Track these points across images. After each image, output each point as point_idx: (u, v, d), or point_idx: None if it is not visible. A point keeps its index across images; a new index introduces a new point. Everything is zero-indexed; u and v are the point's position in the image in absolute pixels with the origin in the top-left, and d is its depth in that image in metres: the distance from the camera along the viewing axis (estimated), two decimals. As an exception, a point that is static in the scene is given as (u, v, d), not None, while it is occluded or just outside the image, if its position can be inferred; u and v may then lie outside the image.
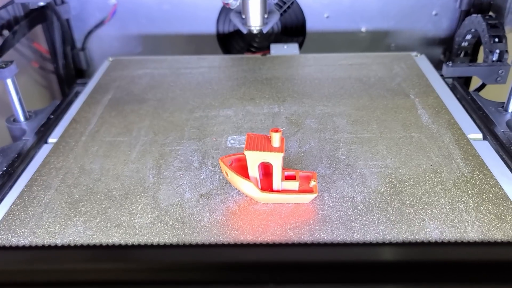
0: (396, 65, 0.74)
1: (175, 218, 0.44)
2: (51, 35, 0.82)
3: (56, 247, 0.22)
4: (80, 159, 0.53)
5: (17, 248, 0.22)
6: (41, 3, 0.76)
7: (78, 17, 0.87)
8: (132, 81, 0.72)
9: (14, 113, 0.63)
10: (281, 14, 0.85)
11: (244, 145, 0.43)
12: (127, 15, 0.86)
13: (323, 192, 0.46)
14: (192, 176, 0.50)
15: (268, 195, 0.44)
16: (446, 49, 0.89)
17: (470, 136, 0.56)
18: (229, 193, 0.47)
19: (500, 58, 0.66)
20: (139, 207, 0.45)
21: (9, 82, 0.60)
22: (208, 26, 0.87)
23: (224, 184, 0.48)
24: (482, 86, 0.72)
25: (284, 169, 0.45)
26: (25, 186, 0.49)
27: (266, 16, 0.73)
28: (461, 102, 0.65)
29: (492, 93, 0.70)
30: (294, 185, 0.45)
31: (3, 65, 0.58)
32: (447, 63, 0.65)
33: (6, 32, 0.68)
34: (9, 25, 0.69)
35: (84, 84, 0.74)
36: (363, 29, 0.88)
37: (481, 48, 0.79)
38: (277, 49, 0.82)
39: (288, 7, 0.85)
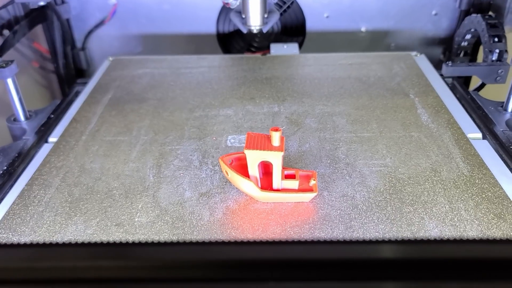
0: (396, 65, 0.74)
1: (175, 217, 0.44)
2: (51, 35, 0.82)
3: (56, 244, 0.22)
4: (80, 158, 0.53)
5: (18, 246, 0.22)
6: (41, 3, 0.76)
7: (78, 17, 0.87)
8: (132, 81, 0.72)
9: (14, 112, 0.63)
10: (281, 14, 0.85)
11: (244, 144, 0.43)
12: (127, 15, 0.87)
13: (323, 191, 0.47)
14: (192, 175, 0.50)
15: (268, 194, 0.44)
16: (445, 49, 0.89)
17: (469, 135, 0.56)
18: (229, 192, 0.47)
19: (500, 58, 0.66)
20: (140, 206, 0.45)
21: (9, 81, 0.60)
22: (208, 25, 0.87)
23: (224, 183, 0.48)
24: (482, 85, 0.72)
25: (284, 168, 0.45)
26: (25, 185, 0.49)
27: (266, 15, 0.73)
28: (460, 102, 0.65)
29: (492, 92, 0.70)
30: (294, 184, 0.45)
31: (4, 65, 0.59)
32: (447, 62, 0.65)
33: (6, 32, 0.68)
34: (10, 24, 0.69)
35: (84, 83, 0.74)
36: (363, 29, 0.88)
37: (481, 48, 0.79)
38: (277, 49, 0.82)
39: (288, 6, 0.85)
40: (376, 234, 0.41)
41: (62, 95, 0.86)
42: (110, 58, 0.80)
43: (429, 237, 0.40)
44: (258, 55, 0.81)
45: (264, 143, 0.42)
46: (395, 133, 0.56)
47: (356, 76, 0.71)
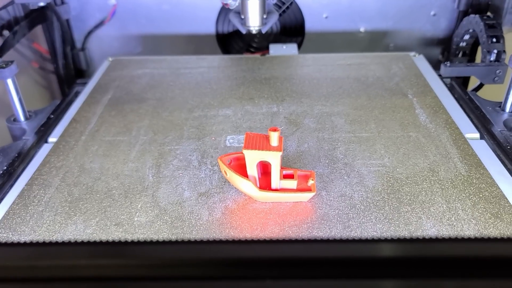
0: (395, 65, 0.74)
1: (175, 217, 0.44)
2: (51, 36, 0.82)
3: (56, 243, 0.22)
4: (80, 158, 0.53)
5: (18, 245, 0.23)
6: (41, 4, 0.76)
7: (78, 18, 0.87)
8: (131, 81, 0.72)
9: (14, 113, 0.63)
10: (280, 14, 0.85)
11: (242, 144, 0.43)
12: (127, 15, 0.87)
13: (321, 191, 0.47)
14: (191, 175, 0.50)
15: (267, 193, 0.45)
16: (444, 49, 0.89)
17: (467, 135, 0.56)
18: (228, 192, 0.47)
19: (498, 58, 0.66)
20: (139, 206, 0.45)
21: (9, 82, 0.60)
22: (208, 26, 0.88)
23: (223, 183, 0.48)
24: (480, 86, 0.72)
25: (282, 168, 0.45)
26: (25, 185, 0.49)
27: (265, 16, 0.73)
28: (458, 102, 0.65)
29: (490, 93, 0.71)
30: (292, 184, 0.45)
31: (4, 65, 0.59)
32: (445, 63, 0.66)
33: (6, 33, 0.68)
34: (9, 25, 0.70)
35: (84, 84, 0.74)
36: (362, 29, 0.88)
37: (479, 48, 0.79)
38: (276, 49, 0.82)
39: (287, 7, 0.85)
40: (374, 234, 0.41)
41: (62, 96, 0.86)
42: (110, 59, 0.80)
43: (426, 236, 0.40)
44: (257, 55, 0.81)
45: (262, 143, 0.43)
46: (393, 133, 0.56)
47: (355, 76, 0.71)
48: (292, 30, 0.88)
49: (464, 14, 0.81)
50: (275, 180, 0.45)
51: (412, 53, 0.79)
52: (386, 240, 0.23)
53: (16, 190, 0.49)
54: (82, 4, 0.86)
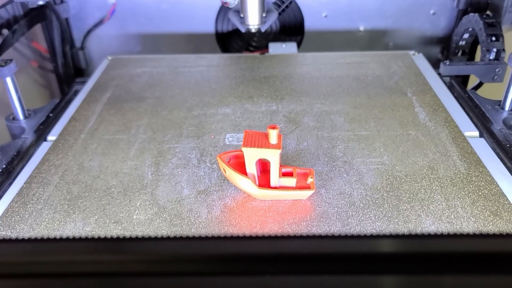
0: (394, 64, 0.74)
1: (174, 215, 0.44)
2: (50, 34, 0.82)
3: (55, 239, 0.22)
4: (79, 156, 0.53)
5: (17, 241, 0.23)
6: (41, 2, 0.76)
7: (77, 16, 0.87)
8: (131, 80, 0.72)
9: (13, 111, 0.63)
10: (280, 13, 0.85)
11: (242, 143, 0.43)
12: (126, 14, 0.87)
13: (320, 189, 0.47)
14: (190, 173, 0.50)
15: (266, 191, 0.45)
16: (443, 48, 0.89)
17: (466, 133, 0.56)
18: (227, 189, 0.47)
19: (497, 57, 0.66)
20: (138, 204, 0.45)
21: (8, 80, 0.60)
22: (207, 25, 0.88)
23: (222, 181, 0.48)
24: (480, 84, 0.72)
25: (281, 166, 0.45)
26: (24, 183, 0.49)
27: (264, 15, 0.73)
28: (458, 100, 0.65)
29: (489, 91, 0.71)
30: (291, 181, 0.45)
31: (3, 64, 0.59)
32: (445, 61, 0.66)
33: (5, 31, 0.68)
34: (9, 24, 0.69)
35: (83, 82, 0.74)
36: (361, 28, 0.88)
37: (479, 47, 0.79)
38: (275, 48, 0.82)
39: (287, 6, 0.85)
40: (373, 231, 0.41)
41: (61, 94, 0.86)
42: (109, 57, 0.80)
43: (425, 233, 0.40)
44: (256, 54, 0.81)
45: (261, 141, 0.43)
46: (392, 132, 0.56)
47: (354, 75, 0.71)
48: (291, 28, 0.88)
49: (463, 12, 0.81)
50: (274, 178, 0.44)
51: (411, 52, 0.79)
52: (384, 236, 0.23)
53: (15, 188, 0.49)
54: (81, 3, 0.86)
